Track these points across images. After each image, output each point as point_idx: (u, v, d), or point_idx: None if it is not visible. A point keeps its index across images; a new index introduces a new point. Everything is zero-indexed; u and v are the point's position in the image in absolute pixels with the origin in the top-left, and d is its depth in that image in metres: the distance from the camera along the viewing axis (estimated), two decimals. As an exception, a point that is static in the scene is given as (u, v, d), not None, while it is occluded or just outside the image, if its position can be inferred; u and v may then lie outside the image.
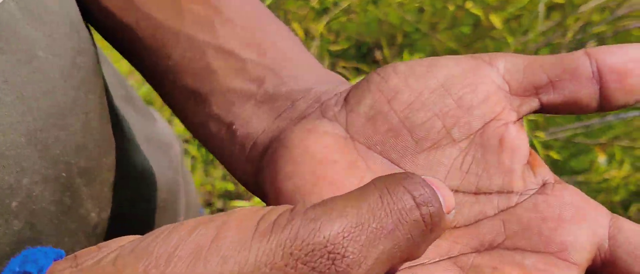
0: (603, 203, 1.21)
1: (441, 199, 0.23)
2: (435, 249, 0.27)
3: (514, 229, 0.27)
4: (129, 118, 0.42)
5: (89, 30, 0.35)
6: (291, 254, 0.20)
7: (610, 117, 1.33)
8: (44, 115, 0.28)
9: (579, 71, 0.27)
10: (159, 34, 0.33)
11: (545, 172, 0.28)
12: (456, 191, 0.28)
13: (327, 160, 0.28)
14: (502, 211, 0.27)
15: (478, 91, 0.28)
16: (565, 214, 0.26)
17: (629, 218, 1.13)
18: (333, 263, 0.20)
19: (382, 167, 0.28)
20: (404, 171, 0.28)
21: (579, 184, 1.25)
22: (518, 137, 0.28)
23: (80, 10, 0.34)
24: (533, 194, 0.27)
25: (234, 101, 0.32)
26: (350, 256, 0.21)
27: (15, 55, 0.27)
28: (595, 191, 1.25)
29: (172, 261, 0.20)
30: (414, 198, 0.22)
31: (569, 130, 1.28)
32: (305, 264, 0.20)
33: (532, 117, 1.05)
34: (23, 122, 0.27)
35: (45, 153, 0.28)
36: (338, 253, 0.20)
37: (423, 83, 0.28)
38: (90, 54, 0.33)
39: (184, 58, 0.33)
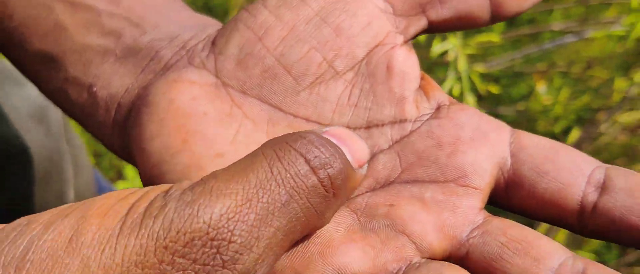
0: (544, 132, 1.21)
1: (348, 154, 0.20)
2: None
3: (410, 160, 0.25)
4: None
5: None
6: (166, 247, 0.17)
7: (547, 45, 1.33)
8: None
9: None
10: None
11: (440, 95, 0.26)
12: (346, 127, 0.26)
13: (196, 112, 0.25)
14: (396, 142, 0.25)
15: (358, 17, 0.26)
16: (462, 137, 0.24)
17: (571, 144, 1.13)
18: (218, 252, 0.17)
19: (261, 113, 0.26)
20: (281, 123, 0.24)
21: (519, 113, 1.25)
22: (407, 62, 0.26)
23: None
24: (427, 119, 0.25)
25: (92, 60, 0.29)
26: (238, 240, 0.18)
27: None
28: (534, 120, 1.26)
29: (23, 268, 0.17)
30: (307, 162, 0.19)
31: (508, 61, 1.28)
32: (184, 257, 0.17)
33: (470, 50, 1.03)
34: None
35: None
36: (223, 239, 0.18)
37: (296, 14, 0.26)
38: None
39: (28, 17, 0.29)
